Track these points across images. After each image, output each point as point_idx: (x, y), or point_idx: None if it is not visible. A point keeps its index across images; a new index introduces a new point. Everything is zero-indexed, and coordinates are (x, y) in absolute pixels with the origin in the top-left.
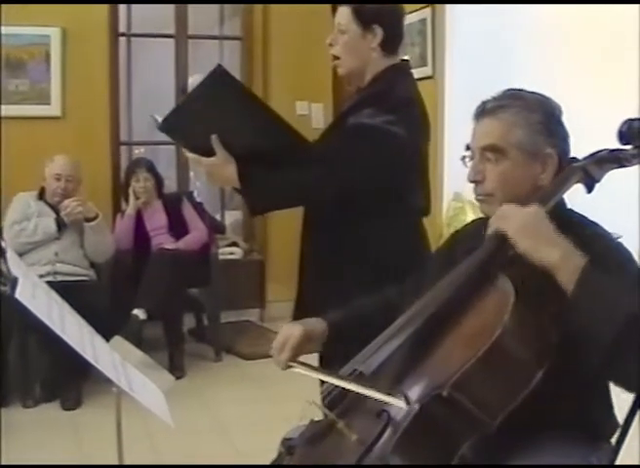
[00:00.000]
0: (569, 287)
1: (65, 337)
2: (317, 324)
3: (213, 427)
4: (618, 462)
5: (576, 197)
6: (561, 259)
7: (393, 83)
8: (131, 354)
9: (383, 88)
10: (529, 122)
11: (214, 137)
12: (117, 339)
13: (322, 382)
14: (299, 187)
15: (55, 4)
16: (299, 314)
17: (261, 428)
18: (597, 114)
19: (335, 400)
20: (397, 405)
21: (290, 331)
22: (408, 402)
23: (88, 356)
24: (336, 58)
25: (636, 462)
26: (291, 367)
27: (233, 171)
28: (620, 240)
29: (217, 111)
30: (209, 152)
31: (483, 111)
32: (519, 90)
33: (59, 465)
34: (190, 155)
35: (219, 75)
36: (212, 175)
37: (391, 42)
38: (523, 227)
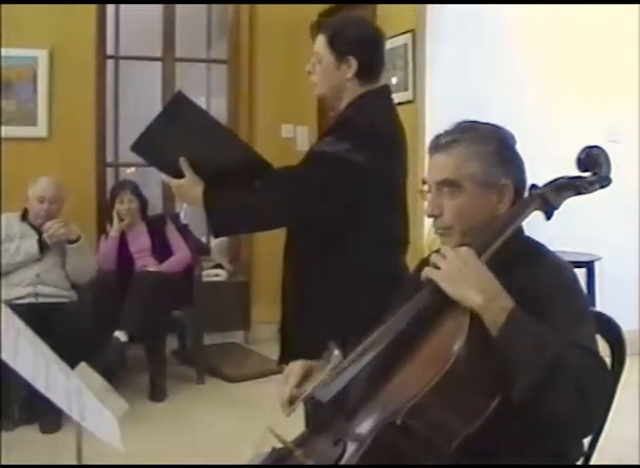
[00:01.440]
0: (493, 329)
1: (15, 366)
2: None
3: (195, 451)
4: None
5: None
6: (485, 302)
7: (362, 110)
8: (93, 380)
9: (350, 115)
10: (482, 154)
11: (182, 160)
12: (82, 366)
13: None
14: (257, 212)
15: (49, 3)
16: (283, 343)
17: (245, 452)
18: (566, 140)
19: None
20: None
21: (290, 367)
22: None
23: (39, 385)
24: (314, 85)
25: (636, 462)
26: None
27: (200, 192)
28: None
29: (181, 135)
30: (180, 174)
31: (436, 146)
32: (472, 121)
33: (59, 465)
34: (163, 176)
35: (179, 101)
36: (180, 196)
37: (368, 71)
38: (448, 273)
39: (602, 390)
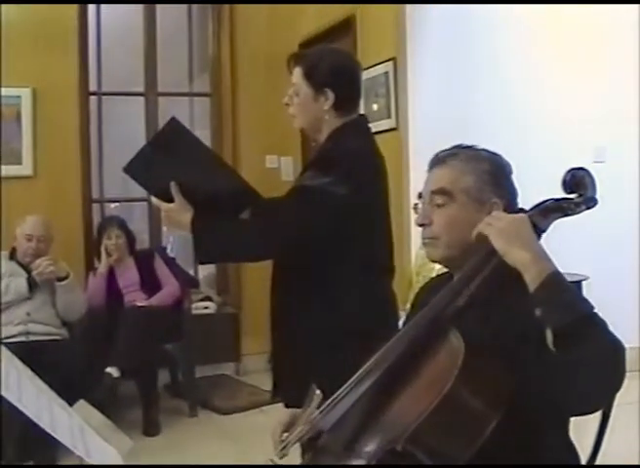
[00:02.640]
0: (535, 282)
1: (21, 406)
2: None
3: None
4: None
5: None
6: (532, 259)
7: (341, 142)
8: (93, 417)
9: (329, 148)
10: (477, 171)
11: (172, 185)
12: (81, 403)
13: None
14: (242, 242)
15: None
16: (275, 375)
17: None
18: (551, 162)
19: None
20: None
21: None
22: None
23: (44, 424)
24: (293, 117)
25: (636, 462)
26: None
27: (188, 218)
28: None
29: (173, 160)
30: (170, 198)
31: (437, 161)
32: (471, 146)
33: (59, 465)
34: (154, 199)
35: (173, 127)
36: (168, 220)
37: (345, 103)
38: (503, 229)
39: (623, 365)
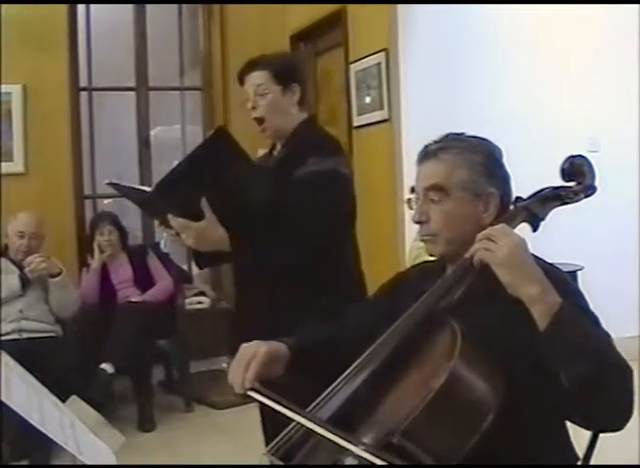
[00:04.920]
0: (544, 321)
1: (9, 403)
2: (280, 345)
3: None
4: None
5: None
6: (539, 294)
7: (319, 132)
8: (85, 413)
9: (314, 137)
10: (470, 163)
11: (203, 200)
12: (73, 399)
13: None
14: (287, 251)
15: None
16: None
17: None
18: (546, 152)
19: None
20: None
21: (254, 349)
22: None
23: (34, 421)
24: (260, 121)
25: (636, 462)
26: (252, 390)
27: (223, 233)
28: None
29: (214, 172)
30: (194, 216)
31: (426, 154)
32: (460, 134)
33: (59, 465)
34: (179, 220)
35: (220, 135)
36: (201, 239)
37: (304, 97)
38: (506, 259)
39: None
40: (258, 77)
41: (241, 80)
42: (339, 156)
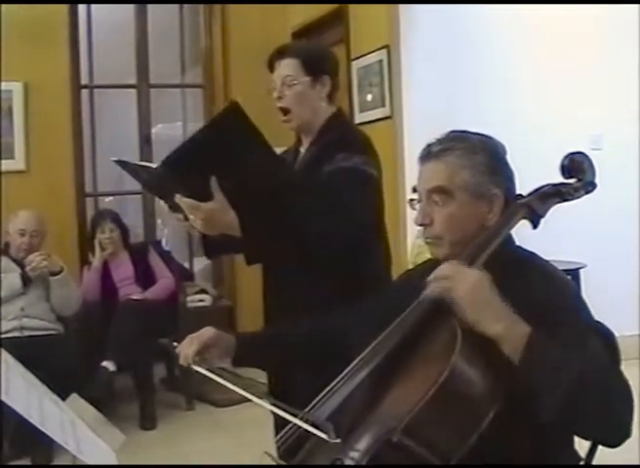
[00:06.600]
0: (515, 356)
1: (8, 401)
2: (228, 336)
3: None
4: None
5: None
6: (505, 330)
7: (349, 127)
8: (85, 412)
9: (344, 132)
10: (473, 163)
11: (212, 181)
12: (73, 397)
13: (277, 431)
14: (302, 240)
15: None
16: None
17: None
18: (547, 149)
19: (290, 448)
20: (320, 436)
21: (203, 331)
22: (337, 435)
23: (33, 420)
24: (285, 111)
25: (636, 462)
26: (195, 363)
27: (234, 216)
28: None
29: (224, 151)
30: (202, 196)
31: (428, 154)
32: (462, 131)
33: (60, 465)
34: (188, 200)
35: (233, 111)
36: (210, 221)
37: (335, 91)
38: (467, 297)
39: (626, 395)
40: (287, 66)
41: (271, 67)
42: (367, 155)
